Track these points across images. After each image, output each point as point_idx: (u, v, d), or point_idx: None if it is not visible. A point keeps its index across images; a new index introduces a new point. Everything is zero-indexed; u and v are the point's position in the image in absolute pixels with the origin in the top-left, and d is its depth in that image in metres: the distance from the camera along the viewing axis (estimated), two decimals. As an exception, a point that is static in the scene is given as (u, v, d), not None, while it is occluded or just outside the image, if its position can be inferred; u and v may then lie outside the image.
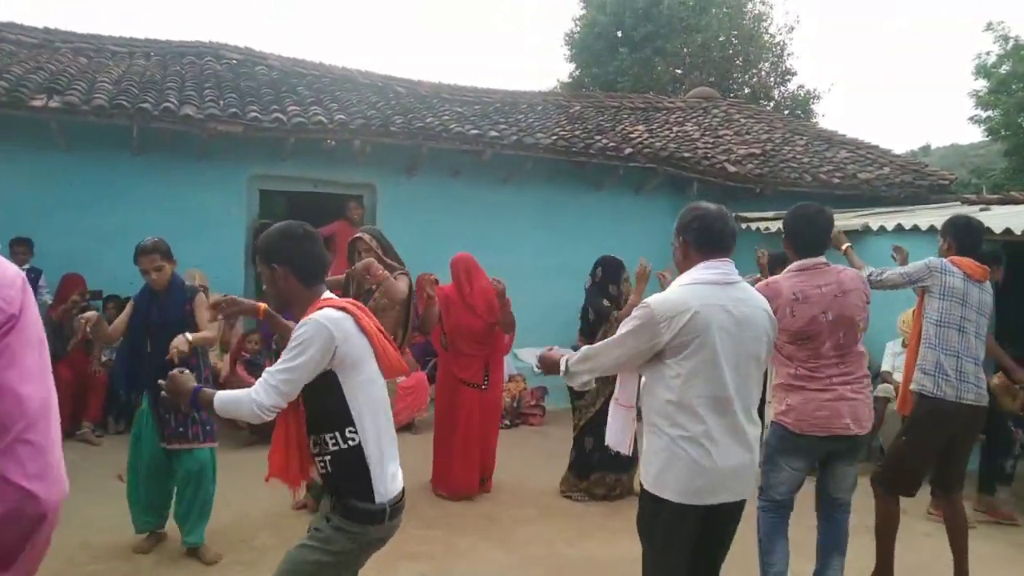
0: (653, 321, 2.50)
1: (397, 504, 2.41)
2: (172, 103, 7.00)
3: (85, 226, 6.98)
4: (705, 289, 2.56)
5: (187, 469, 4.11)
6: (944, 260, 3.99)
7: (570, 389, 5.56)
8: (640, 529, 2.71)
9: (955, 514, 4.02)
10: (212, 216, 7.47)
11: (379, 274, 4.48)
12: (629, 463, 5.23)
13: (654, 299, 2.58)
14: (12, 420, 1.08)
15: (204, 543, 4.17)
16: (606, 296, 5.44)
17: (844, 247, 4.68)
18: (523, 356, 8.34)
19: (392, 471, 2.42)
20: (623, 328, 2.62)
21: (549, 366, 2.92)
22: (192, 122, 6.96)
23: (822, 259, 3.50)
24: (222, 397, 2.36)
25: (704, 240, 2.64)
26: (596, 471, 5.36)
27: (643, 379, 2.67)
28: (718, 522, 2.61)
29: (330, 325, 2.28)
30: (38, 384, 1.12)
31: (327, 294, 2.47)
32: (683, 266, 2.70)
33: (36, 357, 1.14)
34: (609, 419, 2.84)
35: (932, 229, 6.03)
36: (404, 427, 7.07)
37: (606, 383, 5.34)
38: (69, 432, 6.28)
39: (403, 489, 2.46)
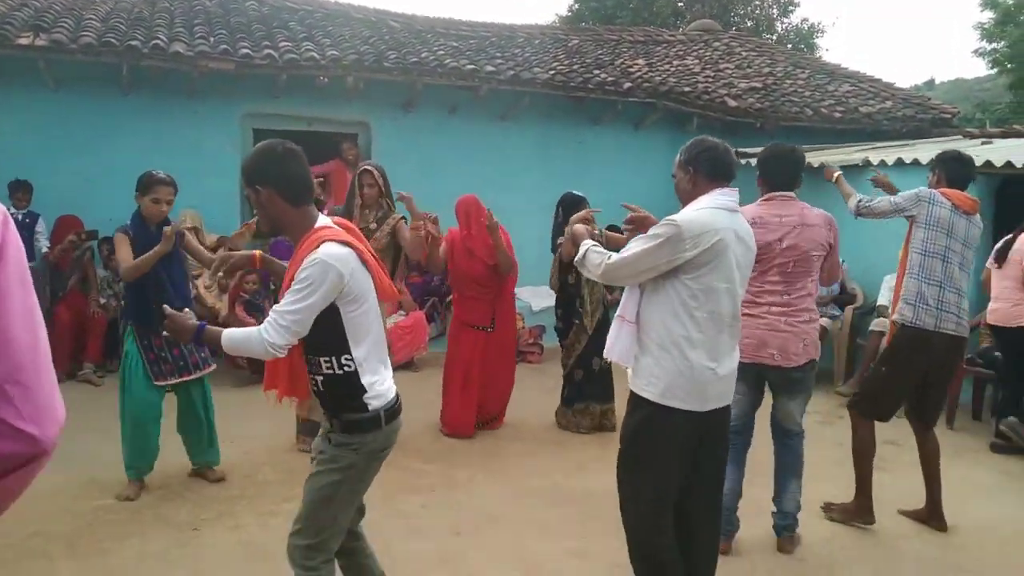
0: (680, 237, 2.60)
1: (391, 409, 2.46)
2: (162, 40, 6.87)
3: (77, 167, 6.92)
4: (723, 214, 2.71)
5: (198, 396, 4.31)
6: (933, 191, 3.99)
7: (557, 330, 5.66)
8: (642, 441, 2.77)
9: (927, 441, 4.07)
10: (205, 156, 7.39)
11: (426, 233, 4.86)
12: (612, 394, 5.42)
13: (681, 217, 2.67)
14: (1, 362, 1.08)
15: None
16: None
17: (836, 175, 4.73)
18: (521, 295, 8.42)
19: (382, 379, 2.46)
20: (646, 243, 2.66)
21: (575, 240, 3.06)
22: (182, 59, 6.83)
23: (790, 193, 3.61)
24: (231, 335, 2.39)
25: (716, 170, 2.79)
26: (580, 401, 5.49)
27: (645, 295, 2.75)
28: (712, 425, 2.78)
29: (337, 264, 2.28)
30: (25, 323, 1.11)
31: (323, 219, 2.44)
32: (691, 195, 2.81)
33: (21, 295, 1.12)
34: (611, 334, 2.89)
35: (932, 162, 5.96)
36: (403, 365, 7.15)
37: (592, 319, 5.42)
38: (70, 373, 6.35)
39: (396, 395, 2.51)
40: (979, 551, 3.77)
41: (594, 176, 8.44)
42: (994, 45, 19.25)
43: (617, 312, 2.89)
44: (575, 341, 5.47)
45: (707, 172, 2.78)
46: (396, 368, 6.96)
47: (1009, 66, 18.83)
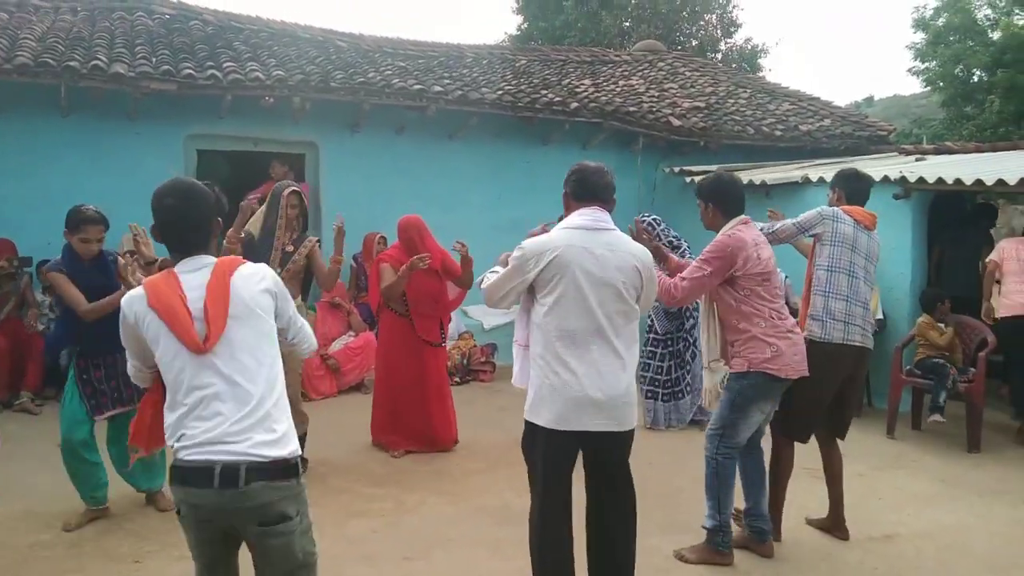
0: (524, 259, 2.88)
1: (179, 469, 2.12)
2: (101, 61, 6.75)
3: (12, 191, 6.76)
4: (574, 233, 2.91)
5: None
6: (836, 208, 4.11)
7: None
8: (525, 456, 3.01)
9: (833, 455, 4.12)
10: (148, 178, 6.99)
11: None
12: None
13: (527, 241, 2.95)
14: None
15: (161, 489, 4.29)
16: None
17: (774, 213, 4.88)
18: (472, 313, 8.41)
19: (187, 438, 2.11)
20: (506, 267, 2.98)
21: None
22: (123, 80, 6.72)
23: (744, 217, 3.75)
24: None
25: (580, 191, 3.01)
26: None
27: (528, 318, 3.00)
28: (599, 448, 2.89)
29: (125, 305, 2.25)
30: None
31: (193, 260, 2.27)
32: (566, 214, 3.05)
33: None
34: (514, 358, 3.13)
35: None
36: (354, 387, 7.09)
37: None
38: (7, 403, 6.15)
39: (204, 462, 2.07)
40: (917, 559, 3.87)
41: (543, 194, 8.48)
42: (927, 65, 19.98)
43: (514, 337, 3.14)
44: None
45: (572, 193, 3.04)
46: (346, 390, 6.99)
47: (940, 84, 19.55)
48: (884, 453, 5.57)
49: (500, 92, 8.42)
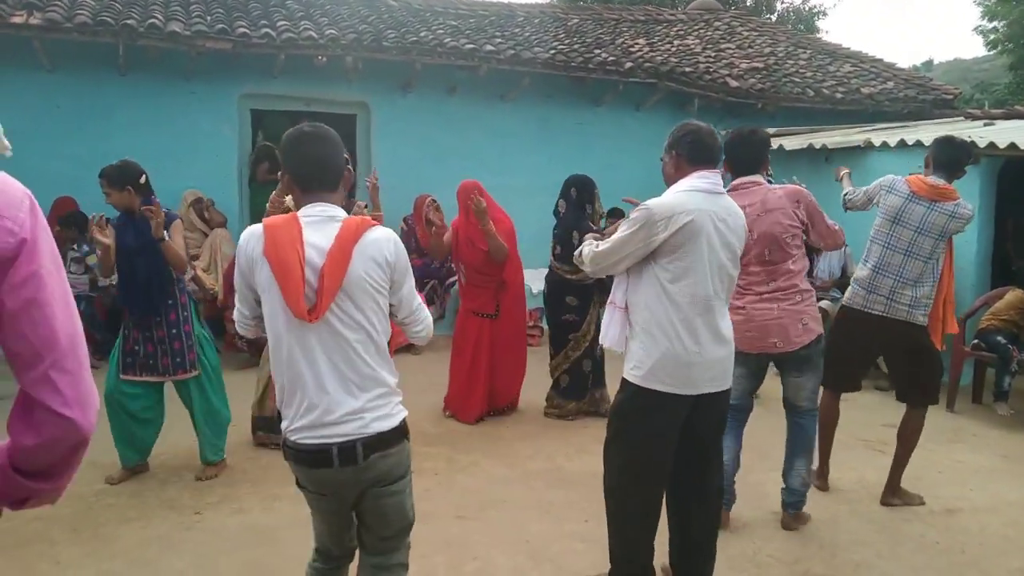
0: (652, 220, 2.70)
1: (291, 448, 2.13)
2: (158, 19, 6.79)
3: (72, 149, 6.86)
4: (700, 196, 2.76)
5: (187, 397, 4.24)
6: (896, 178, 4.01)
7: (566, 323, 5.40)
8: (628, 422, 2.86)
9: (906, 425, 4.09)
10: (203, 137, 7.35)
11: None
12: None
13: (653, 201, 2.76)
14: (47, 349, 1.09)
15: (221, 459, 4.33)
16: (584, 216, 5.30)
17: (843, 174, 4.74)
18: (521, 277, 8.34)
19: (295, 410, 2.10)
20: (623, 230, 2.80)
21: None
22: (179, 39, 6.76)
23: (754, 178, 3.59)
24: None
25: (696, 153, 2.83)
26: (592, 389, 5.44)
27: (630, 280, 2.85)
28: (706, 410, 2.83)
29: (242, 237, 2.15)
30: (66, 311, 1.12)
31: (320, 206, 2.14)
32: (673, 178, 2.88)
33: (58, 283, 1.13)
34: (604, 320, 2.98)
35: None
36: (404, 348, 7.14)
37: (602, 308, 5.34)
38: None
39: (306, 448, 2.09)
40: (980, 534, 3.78)
41: (595, 157, 8.40)
42: (994, 24, 19.13)
43: (609, 299, 2.97)
44: (587, 332, 5.37)
45: (688, 156, 2.83)
46: (397, 352, 7.03)
47: (1008, 46, 18.73)
48: (944, 427, 5.43)
49: (552, 52, 8.28)
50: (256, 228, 2.14)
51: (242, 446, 4.64)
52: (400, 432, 2.19)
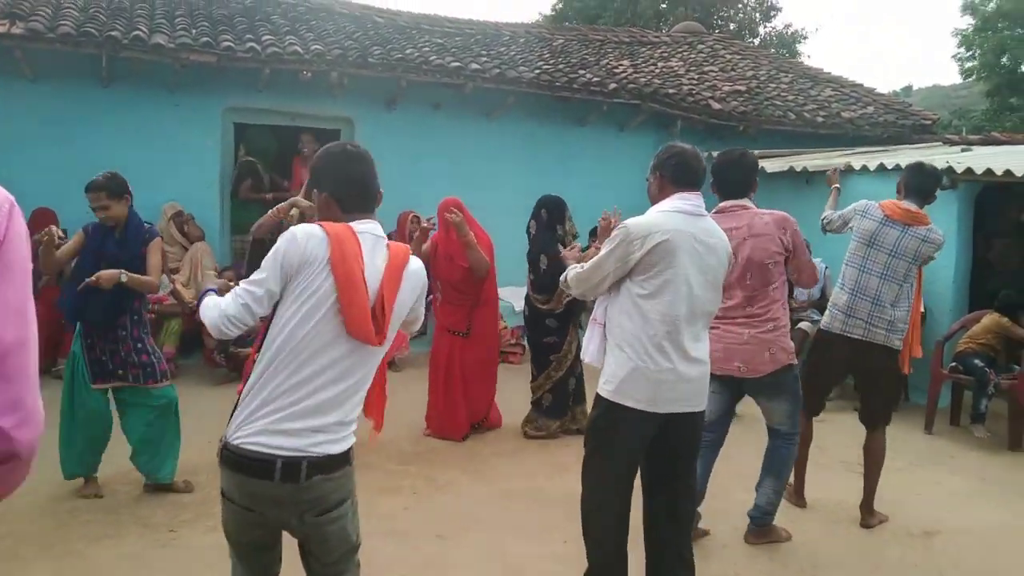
0: (629, 239, 2.76)
1: (233, 456, 2.03)
2: (142, 31, 6.76)
3: (54, 159, 6.78)
4: (679, 217, 2.81)
5: (147, 406, 4.10)
6: (870, 203, 4.10)
7: (546, 344, 5.39)
8: (595, 436, 2.93)
9: (871, 446, 4.15)
10: (186, 149, 7.30)
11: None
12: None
13: (630, 221, 2.82)
14: None
15: (174, 480, 4.20)
16: (554, 238, 5.31)
17: (834, 186, 4.81)
18: (503, 295, 8.36)
19: (264, 413, 1.99)
20: (603, 249, 2.86)
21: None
22: (164, 51, 6.73)
23: (742, 201, 3.61)
24: (207, 300, 2.17)
25: (680, 175, 2.88)
26: (573, 407, 5.43)
27: (609, 297, 2.90)
28: (678, 430, 2.85)
29: (299, 235, 2.01)
30: (15, 317, 1.07)
31: (371, 223, 2.12)
32: (657, 199, 2.93)
33: (16, 288, 1.08)
34: (586, 337, 3.05)
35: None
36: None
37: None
38: (45, 368, 6.23)
39: (274, 456, 1.98)
40: (958, 556, 3.79)
41: (579, 177, 8.44)
42: (971, 52, 19.50)
43: (592, 315, 3.03)
44: (568, 351, 5.36)
45: (672, 177, 2.88)
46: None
47: (985, 73, 19.08)
48: (922, 449, 5.47)
49: (537, 71, 8.33)
50: (314, 229, 2.03)
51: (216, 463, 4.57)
52: (346, 457, 2.10)
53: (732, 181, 3.62)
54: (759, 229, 3.53)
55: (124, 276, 3.81)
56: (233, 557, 2.25)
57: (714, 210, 3.57)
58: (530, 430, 5.41)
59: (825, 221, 4.39)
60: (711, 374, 3.46)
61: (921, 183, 4.08)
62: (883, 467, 4.11)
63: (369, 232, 2.09)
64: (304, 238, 2.00)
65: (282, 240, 2.04)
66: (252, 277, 2.05)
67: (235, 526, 2.14)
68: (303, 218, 3.36)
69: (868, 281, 3.98)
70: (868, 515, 4.10)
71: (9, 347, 1.04)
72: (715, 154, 3.80)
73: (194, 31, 7.14)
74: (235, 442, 2.02)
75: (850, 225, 4.15)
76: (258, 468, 1.99)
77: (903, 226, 3.95)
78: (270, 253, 2.04)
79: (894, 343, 4.00)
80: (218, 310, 2.06)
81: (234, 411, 2.11)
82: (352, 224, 2.08)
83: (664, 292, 2.73)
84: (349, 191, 2.13)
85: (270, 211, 4.19)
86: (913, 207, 4.00)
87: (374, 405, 2.33)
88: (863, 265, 4.00)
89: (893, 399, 4.34)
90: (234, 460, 2.02)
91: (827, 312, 4.16)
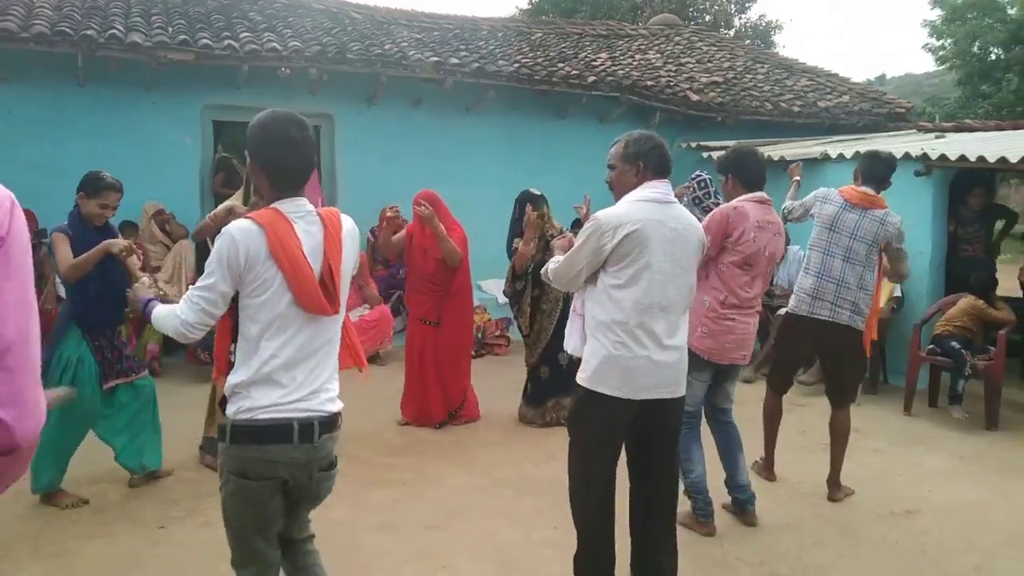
0: (600, 231, 2.78)
1: (247, 429, 2.12)
2: (118, 30, 6.71)
3: (30, 159, 6.73)
4: (650, 206, 2.84)
5: (135, 398, 4.16)
6: (830, 190, 4.27)
7: (519, 327, 5.64)
8: (576, 424, 2.98)
9: (836, 423, 4.31)
10: (165, 148, 7.27)
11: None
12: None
13: (600, 212, 2.84)
14: None
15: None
16: (519, 233, 5.48)
17: (795, 179, 4.97)
18: (486, 288, 8.41)
19: (261, 390, 2.11)
20: (576, 243, 2.89)
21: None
22: (140, 50, 6.69)
23: (766, 195, 3.78)
24: (159, 311, 2.29)
25: (662, 166, 2.92)
26: (552, 397, 5.47)
27: (586, 287, 2.93)
28: (655, 417, 2.89)
29: (239, 237, 2.07)
30: (17, 311, 1.09)
31: (298, 201, 2.18)
32: (629, 188, 2.93)
33: (19, 283, 1.10)
34: (567, 327, 3.10)
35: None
36: (369, 359, 7.10)
37: (550, 317, 5.42)
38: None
39: (273, 424, 2.11)
40: (939, 534, 3.88)
41: (560, 170, 8.48)
42: (942, 42, 19.74)
43: (572, 307, 3.08)
44: (537, 339, 5.47)
45: (655, 168, 2.90)
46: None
47: (957, 62, 19.34)
48: (902, 430, 5.57)
49: (517, 65, 8.35)
50: (249, 226, 2.09)
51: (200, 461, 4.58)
52: (340, 416, 2.29)
53: (756, 171, 3.79)
54: (779, 228, 3.80)
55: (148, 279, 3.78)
56: (240, 552, 2.28)
57: (755, 198, 3.73)
58: (519, 417, 5.57)
59: (786, 211, 4.54)
60: (713, 363, 3.68)
61: (877, 169, 4.27)
62: (866, 450, 4.21)
63: (298, 210, 2.17)
64: (241, 235, 2.08)
65: (221, 242, 2.10)
66: (201, 283, 2.13)
67: (251, 506, 2.20)
68: None
69: (832, 264, 4.13)
70: (834, 489, 4.27)
71: (11, 342, 1.07)
72: (702, 144, 3.88)
73: (171, 29, 7.10)
74: (245, 416, 2.11)
75: (811, 212, 4.31)
76: (276, 434, 2.11)
77: (862, 209, 4.13)
78: (213, 256, 2.11)
79: (858, 324, 4.16)
80: (177, 319, 2.16)
81: (219, 400, 2.19)
82: (279, 207, 2.16)
83: (638, 281, 2.76)
84: (282, 167, 2.18)
85: (208, 216, 4.19)
86: (870, 191, 4.18)
87: (351, 350, 2.48)
88: (827, 249, 4.16)
89: (858, 379, 4.52)
90: (251, 431, 2.12)
91: (793, 295, 4.32)
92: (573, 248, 2.89)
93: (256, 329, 2.12)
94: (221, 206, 4.21)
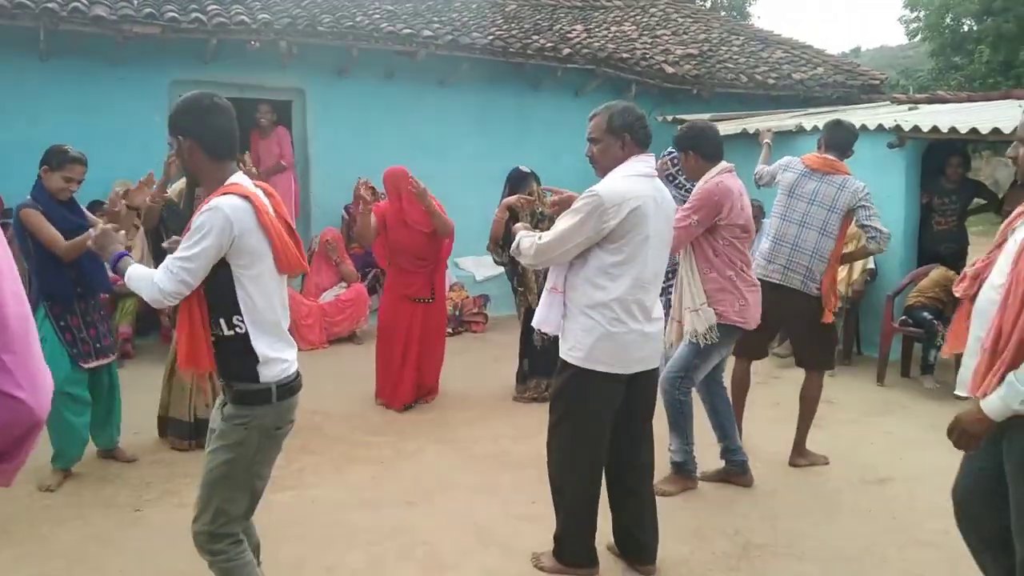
0: (603, 208, 2.70)
1: (287, 385, 2.36)
2: (82, 3, 6.51)
3: (-9, 137, 6.55)
4: (644, 181, 2.82)
5: (108, 381, 4.16)
6: (793, 158, 4.36)
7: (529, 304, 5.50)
8: (564, 402, 2.95)
9: (804, 389, 4.40)
10: (131, 124, 7.09)
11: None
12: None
13: (601, 188, 2.76)
14: None
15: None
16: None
17: (766, 142, 5.11)
18: (464, 265, 8.38)
19: (279, 352, 2.35)
20: (570, 219, 2.77)
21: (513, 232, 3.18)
22: (105, 24, 6.50)
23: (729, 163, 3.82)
24: (134, 270, 2.39)
25: (647, 137, 2.91)
26: (532, 378, 5.48)
27: (571, 266, 2.87)
28: (639, 388, 2.94)
29: (230, 213, 2.21)
30: (16, 296, 1.15)
31: (239, 176, 2.35)
32: (616, 161, 2.87)
33: (10, 270, 1.15)
34: (541, 305, 3.03)
35: (863, 128, 6.13)
36: (346, 338, 7.06)
37: (534, 294, 5.40)
38: None
39: (297, 373, 2.42)
40: (910, 500, 3.95)
41: (535, 143, 8.42)
42: (916, 14, 19.82)
43: (546, 285, 3.00)
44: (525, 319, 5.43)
45: (641, 140, 2.89)
46: (337, 341, 6.96)
47: (930, 34, 19.43)
48: (874, 400, 5.64)
49: (491, 37, 8.25)
50: (241, 203, 2.25)
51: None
52: None
53: (716, 143, 3.82)
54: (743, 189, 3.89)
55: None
56: (235, 508, 2.36)
57: (725, 168, 3.74)
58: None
59: (757, 176, 4.69)
60: (739, 329, 3.76)
61: (839, 137, 4.34)
62: (840, 420, 4.27)
63: (251, 183, 2.37)
64: (232, 210, 2.22)
65: (211, 217, 2.21)
66: (185, 252, 2.22)
67: (265, 456, 2.41)
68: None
69: (787, 229, 4.19)
70: (797, 456, 4.36)
71: (17, 325, 1.13)
72: (678, 117, 3.89)
73: (136, 2, 6.91)
74: (284, 377, 2.35)
75: (777, 179, 4.39)
76: (299, 385, 2.44)
77: (821, 175, 4.18)
78: (200, 229, 2.21)
79: (811, 290, 4.17)
80: (155, 287, 2.26)
81: (233, 365, 2.33)
82: (239, 182, 2.31)
83: (636, 257, 2.76)
84: (217, 140, 2.33)
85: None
86: (831, 157, 4.24)
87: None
88: (783, 214, 4.23)
89: (826, 347, 4.49)
90: (290, 387, 2.38)
91: (754, 261, 4.35)
92: (568, 225, 2.77)
93: (260, 297, 2.30)
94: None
